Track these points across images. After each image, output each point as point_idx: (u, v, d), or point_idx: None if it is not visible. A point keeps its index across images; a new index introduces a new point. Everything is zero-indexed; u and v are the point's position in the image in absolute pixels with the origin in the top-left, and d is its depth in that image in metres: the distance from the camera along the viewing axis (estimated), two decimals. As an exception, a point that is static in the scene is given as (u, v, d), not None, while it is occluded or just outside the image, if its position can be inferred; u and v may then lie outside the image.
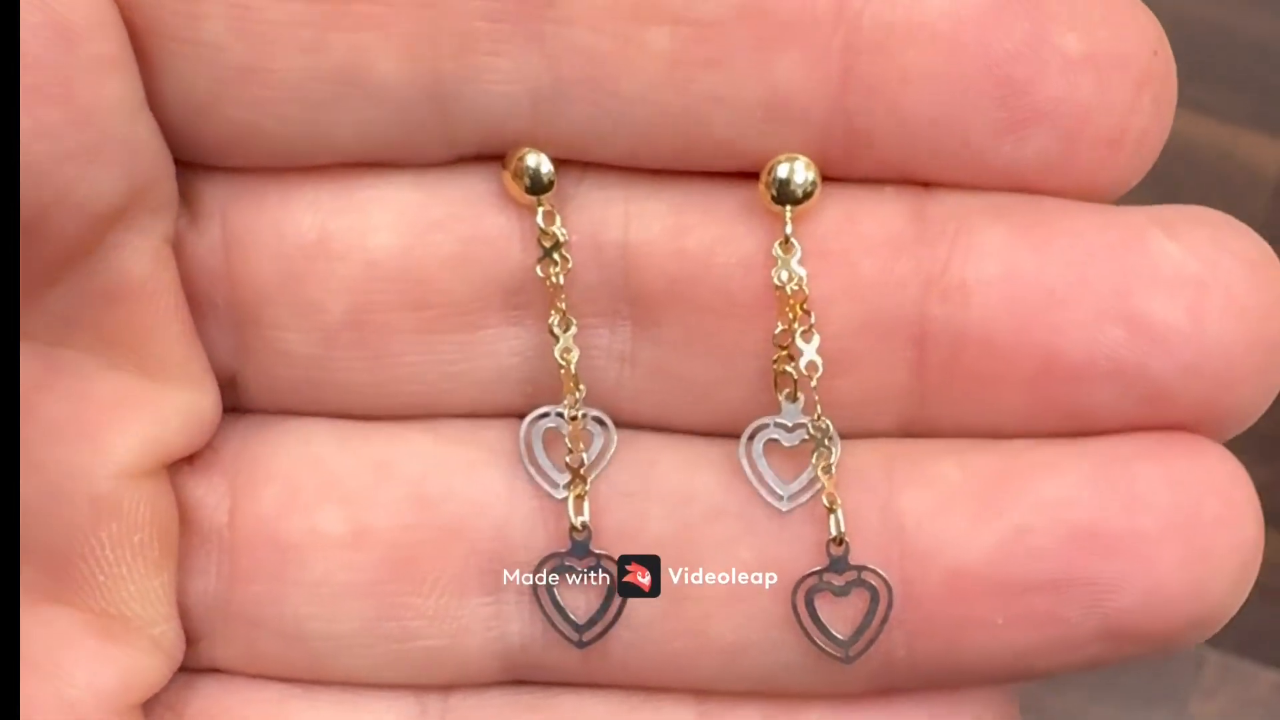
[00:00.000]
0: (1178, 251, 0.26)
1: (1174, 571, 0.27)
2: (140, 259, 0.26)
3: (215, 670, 0.30)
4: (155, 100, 0.26)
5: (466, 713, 0.30)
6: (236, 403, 0.29)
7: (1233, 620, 0.27)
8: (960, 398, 0.27)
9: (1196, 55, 1.13)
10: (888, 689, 0.30)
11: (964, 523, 0.27)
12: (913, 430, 0.28)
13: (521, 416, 0.29)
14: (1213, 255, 0.26)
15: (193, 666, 0.29)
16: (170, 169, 0.27)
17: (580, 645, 0.28)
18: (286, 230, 0.27)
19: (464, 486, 0.29)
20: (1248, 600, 0.27)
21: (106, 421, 0.27)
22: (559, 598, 0.28)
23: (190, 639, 0.29)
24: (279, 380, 0.29)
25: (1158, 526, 0.27)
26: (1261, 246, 0.26)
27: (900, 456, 0.28)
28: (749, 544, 0.29)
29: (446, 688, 0.30)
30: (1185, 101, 1.04)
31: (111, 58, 0.24)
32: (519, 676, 0.30)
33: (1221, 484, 0.27)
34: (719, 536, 0.28)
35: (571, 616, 0.28)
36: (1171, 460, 0.26)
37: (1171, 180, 1.05)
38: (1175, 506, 0.27)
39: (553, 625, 0.29)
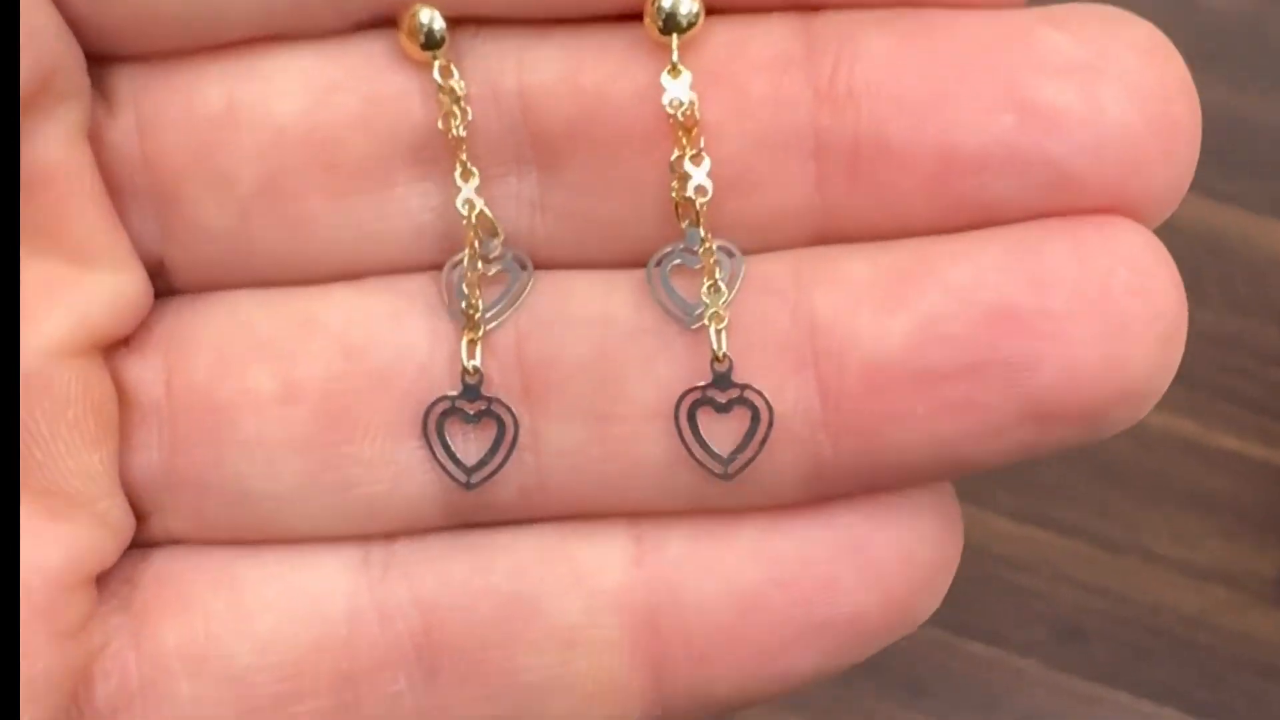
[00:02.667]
0: (1066, 41, 0.26)
1: (1090, 345, 0.27)
2: (54, 146, 0.27)
3: (168, 541, 0.31)
4: None
5: (408, 556, 0.31)
6: (167, 287, 0.30)
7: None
8: (864, 204, 0.27)
9: (1219, 144, 1.14)
10: (821, 496, 0.30)
11: (875, 316, 0.27)
12: (821, 240, 0.29)
13: (442, 267, 0.30)
14: (1103, 43, 0.26)
15: (146, 541, 0.31)
16: (78, 58, 0.28)
17: (468, 487, 0.29)
18: (195, 105, 0.29)
19: (388, 334, 0.30)
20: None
21: (32, 306, 0.27)
22: (448, 440, 0.29)
23: (141, 515, 0.30)
24: (202, 257, 0.30)
25: (1069, 302, 0.27)
26: (1155, 35, 0.27)
27: (809, 261, 0.28)
28: (667, 359, 0.29)
29: (390, 536, 0.31)
30: (1207, 190, 1.05)
31: None
32: (461, 520, 0.30)
33: (1134, 254, 0.27)
34: (637, 355, 0.29)
35: (459, 458, 0.29)
36: (1080, 237, 0.27)
37: (1195, 266, 1.06)
38: (1085, 280, 0.27)
39: (441, 468, 0.30)
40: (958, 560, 0.30)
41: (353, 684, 0.31)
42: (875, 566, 0.30)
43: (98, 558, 0.29)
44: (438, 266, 0.30)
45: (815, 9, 0.27)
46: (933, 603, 0.31)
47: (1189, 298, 1.08)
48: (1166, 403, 1.08)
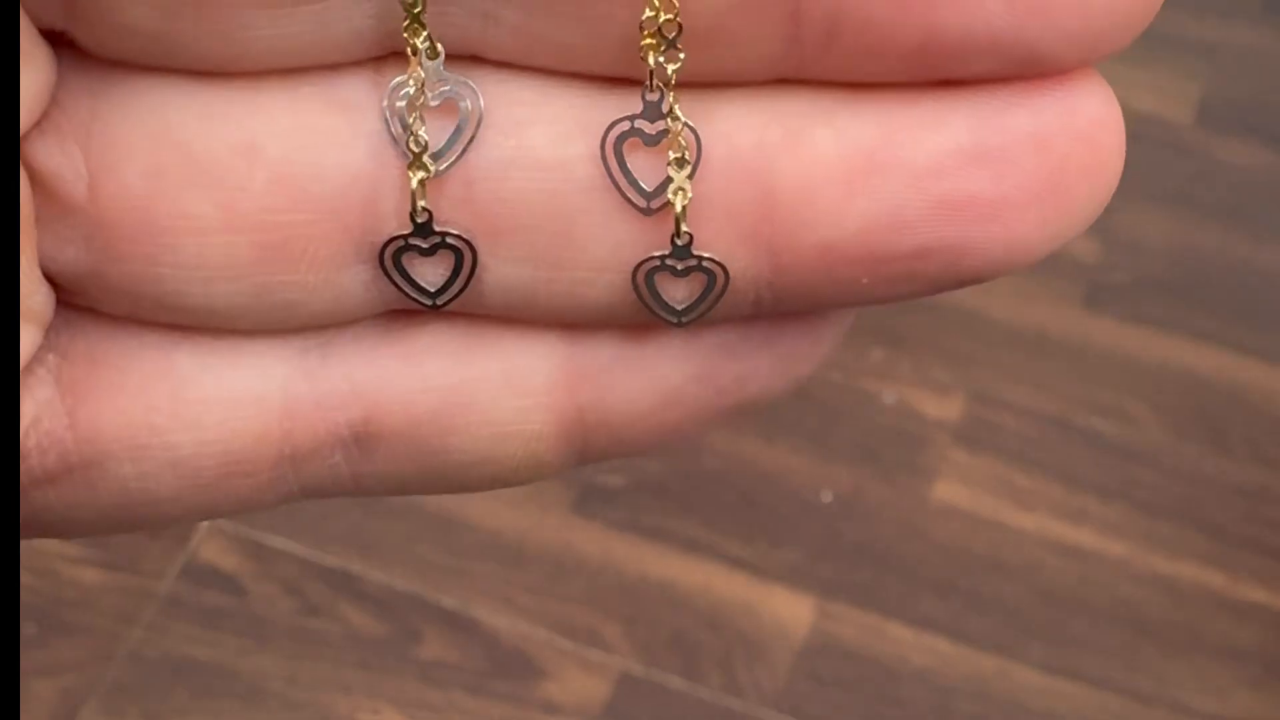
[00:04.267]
0: None
1: (1034, 229, 0.27)
2: None
3: (97, 313, 0.30)
4: None
5: (344, 349, 0.30)
6: (71, 50, 0.28)
7: None
8: (836, 68, 0.27)
9: (1243, 298, 1.15)
10: (748, 318, 0.30)
11: (835, 200, 0.27)
12: (788, 83, 0.28)
13: (384, 60, 0.29)
14: None
15: (72, 305, 0.30)
16: None
17: (435, 308, 0.29)
18: None
19: (331, 162, 0.28)
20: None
21: None
22: (409, 270, 0.29)
23: (66, 292, 0.29)
24: (118, 46, 0.28)
25: (1023, 191, 0.27)
26: None
27: (774, 124, 0.28)
28: (624, 222, 0.29)
29: (326, 327, 0.31)
30: (1232, 344, 1.05)
31: None
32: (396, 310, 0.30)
33: (1092, 131, 0.27)
34: (593, 212, 0.28)
35: (423, 284, 0.29)
36: (1043, 116, 0.27)
37: (1221, 419, 1.06)
38: (1042, 168, 0.27)
39: (405, 294, 0.29)
40: (849, 321, 0.32)
41: (293, 462, 0.31)
42: (786, 355, 0.31)
43: (25, 350, 0.29)
44: (376, 60, 0.29)
45: None
46: (819, 363, 0.32)
47: (1215, 450, 1.08)
48: (1194, 554, 1.08)
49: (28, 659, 1.01)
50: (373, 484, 0.31)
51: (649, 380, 0.31)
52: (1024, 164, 0.27)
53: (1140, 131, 1.21)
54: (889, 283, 0.28)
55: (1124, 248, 1.14)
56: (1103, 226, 1.14)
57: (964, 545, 1.00)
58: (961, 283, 0.28)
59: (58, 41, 0.28)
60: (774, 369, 0.31)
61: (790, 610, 0.98)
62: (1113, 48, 0.27)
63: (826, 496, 1.02)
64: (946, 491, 1.02)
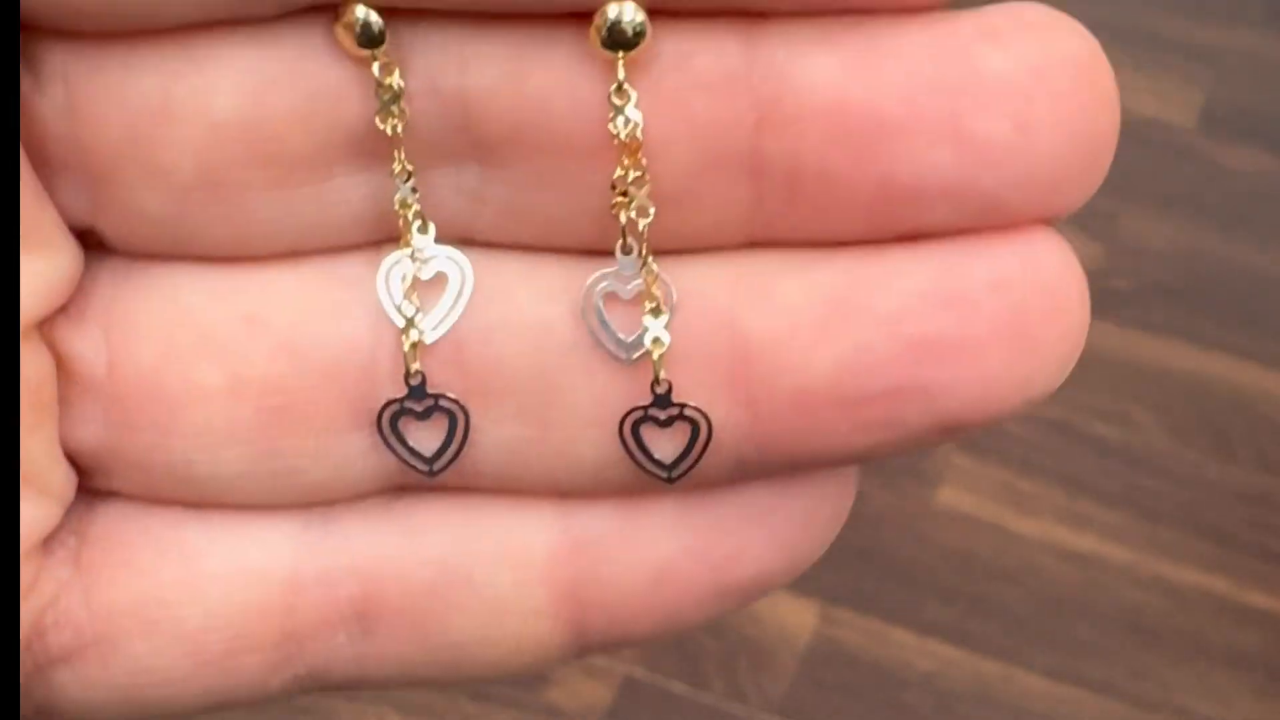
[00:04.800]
0: (1003, 63, 0.26)
1: (1003, 370, 0.28)
2: None
3: (114, 494, 0.31)
4: None
5: (345, 525, 0.31)
6: (99, 246, 0.30)
7: None
8: (799, 222, 0.28)
9: (1245, 304, 1.15)
10: (738, 481, 0.30)
11: (806, 345, 0.28)
12: (755, 243, 0.29)
13: (381, 244, 0.30)
14: (1039, 62, 0.27)
15: (91, 489, 0.31)
16: None
17: (432, 474, 0.30)
18: (130, 95, 0.28)
19: (331, 331, 0.30)
20: None
21: None
22: (404, 435, 0.30)
23: (85, 472, 0.31)
24: (138, 234, 0.30)
25: (988, 331, 0.27)
26: (1089, 43, 0.27)
27: (743, 278, 0.29)
28: (606, 375, 0.29)
29: (330, 503, 0.31)
30: (1234, 349, 1.05)
31: None
32: (399, 487, 0.31)
33: (1049, 279, 0.28)
34: (576, 368, 0.29)
35: (419, 450, 0.30)
36: (1002, 262, 0.28)
37: (1223, 424, 1.06)
38: (1005, 310, 0.27)
39: (403, 461, 0.30)
40: (849, 509, 0.32)
41: (296, 639, 0.31)
42: (780, 531, 0.32)
43: (43, 528, 0.30)
44: (375, 244, 0.30)
45: (760, 16, 0.28)
46: (821, 549, 0.32)
47: (1218, 455, 1.08)
48: (1198, 559, 1.08)
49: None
50: (377, 669, 0.32)
51: (642, 553, 0.31)
52: (986, 306, 0.27)
53: (1143, 136, 1.21)
54: (866, 430, 0.28)
55: (1127, 253, 1.15)
56: (1106, 231, 1.15)
57: (967, 550, 1.00)
58: (942, 429, 0.28)
59: (84, 239, 0.29)
60: (769, 546, 0.31)
61: (793, 615, 0.98)
62: (1066, 201, 0.28)
63: (830, 502, 1.02)
64: (950, 497, 1.02)
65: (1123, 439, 1.05)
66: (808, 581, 1.01)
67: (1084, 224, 1.13)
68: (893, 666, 0.97)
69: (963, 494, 1.02)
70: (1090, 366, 1.12)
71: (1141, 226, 1.16)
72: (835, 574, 0.99)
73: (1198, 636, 0.98)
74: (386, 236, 0.30)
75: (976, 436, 1.06)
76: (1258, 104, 1.26)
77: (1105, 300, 1.12)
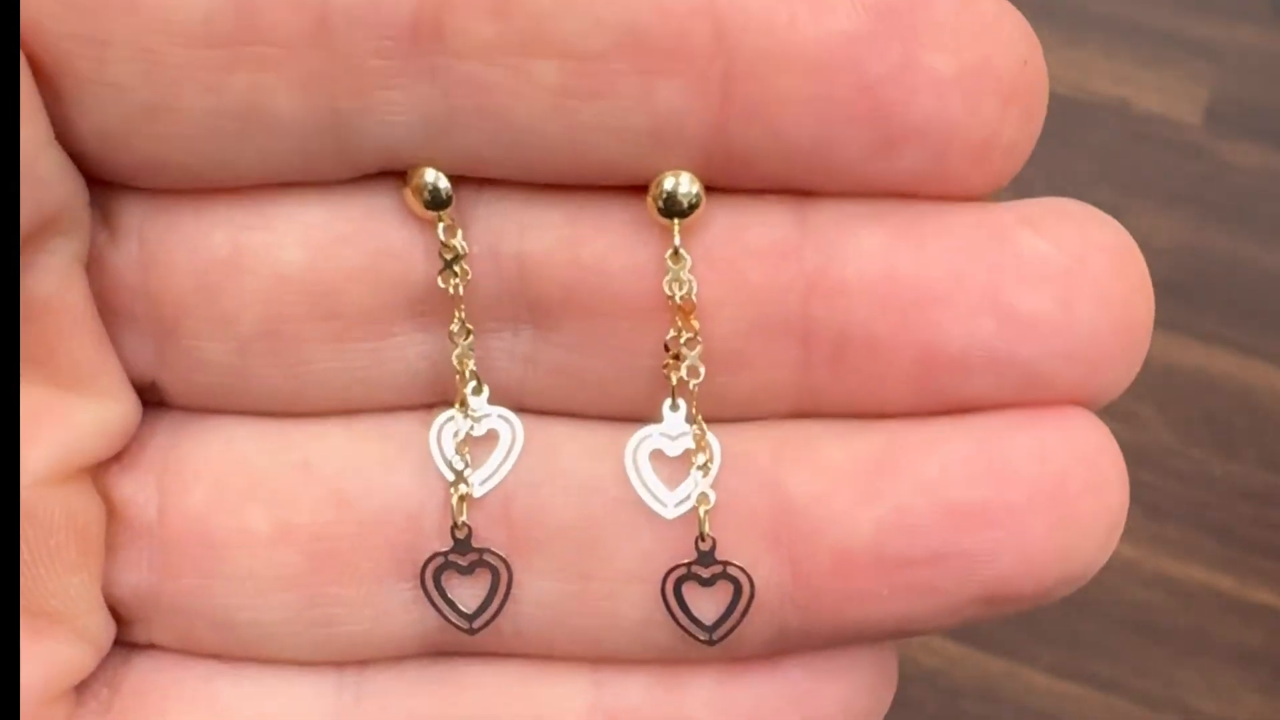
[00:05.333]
0: (1045, 246, 0.27)
1: (1044, 539, 0.29)
2: (48, 278, 0.27)
3: (151, 646, 0.31)
4: (66, 133, 0.27)
5: (382, 685, 0.31)
6: (158, 401, 0.31)
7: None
8: (845, 389, 0.29)
9: (1249, 300, 1.14)
10: (778, 653, 0.30)
11: (848, 505, 0.28)
12: (801, 415, 0.29)
13: (434, 406, 0.30)
14: (1078, 247, 0.28)
15: (128, 642, 0.31)
16: (81, 195, 0.28)
17: (471, 632, 0.30)
18: (200, 247, 0.29)
19: (379, 482, 0.30)
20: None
21: (21, 433, 0.28)
22: (446, 591, 0.30)
23: (125, 622, 0.31)
24: (198, 385, 0.30)
25: (1028, 498, 0.28)
26: (1122, 235, 0.28)
27: (787, 442, 0.29)
28: (649, 528, 0.29)
29: (365, 663, 0.31)
30: (1239, 346, 1.05)
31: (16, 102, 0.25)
32: (437, 650, 0.31)
33: (1089, 453, 0.28)
34: (621, 522, 0.30)
35: (460, 607, 0.30)
36: (1042, 434, 0.28)
37: (1228, 421, 1.06)
38: (1044, 478, 0.28)
39: (443, 616, 0.30)
40: (889, 703, 0.32)
41: None
42: (818, 715, 0.32)
43: (77, 671, 0.30)
44: (429, 405, 0.31)
45: (810, 195, 0.28)
46: None
47: (1223, 452, 1.08)
48: (1203, 557, 1.08)
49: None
50: None
51: None
52: (1025, 476, 0.28)
53: (1147, 133, 1.21)
54: (908, 595, 0.29)
55: (1132, 249, 1.14)
56: (1110, 228, 1.14)
57: (971, 548, 1.00)
58: (984, 598, 0.28)
59: (146, 396, 0.30)
60: None
61: (797, 613, 0.98)
62: (1107, 383, 0.28)
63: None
64: (954, 494, 1.02)
65: (1127, 435, 1.04)
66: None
67: (1088, 220, 1.13)
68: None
69: (967, 491, 1.02)
70: (1095, 363, 1.12)
71: (1146, 223, 1.16)
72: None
73: (1203, 634, 0.98)
74: (440, 399, 0.30)
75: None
76: (1263, 101, 1.26)
77: (1110, 297, 1.12)
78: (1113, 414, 1.10)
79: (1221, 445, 1.05)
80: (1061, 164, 1.16)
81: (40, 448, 0.28)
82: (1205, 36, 1.30)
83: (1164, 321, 1.18)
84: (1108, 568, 1.06)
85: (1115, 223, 0.29)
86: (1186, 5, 1.35)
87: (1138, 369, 0.29)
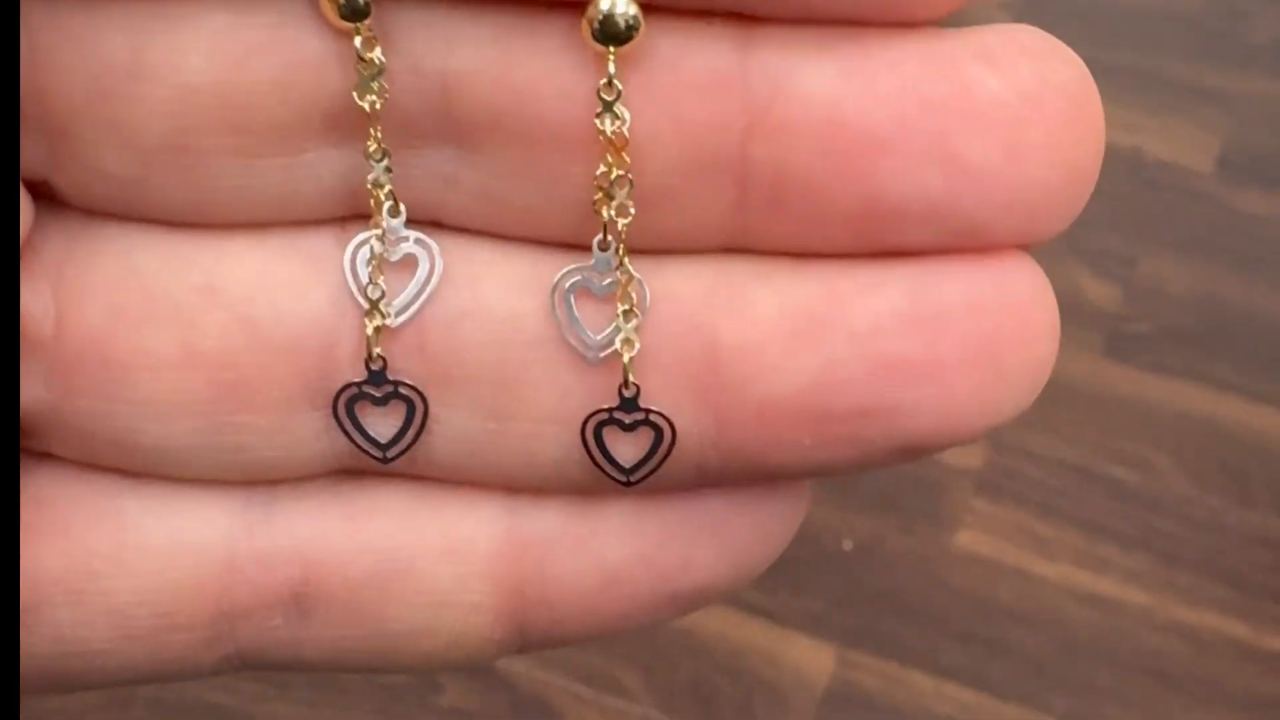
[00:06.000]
0: (998, 86, 0.26)
1: (969, 394, 0.28)
2: None
3: (50, 457, 0.30)
4: None
5: (290, 505, 0.31)
6: (51, 198, 0.29)
7: None
8: (780, 230, 0.28)
9: (1262, 348, 1.15)
10: (695, 488, 0.30)
11: (777, 357, 0.28)
12: (734, 249, 0.29)
13: (346, 220, 0.29)
14: (1034, 89, 0.26)
15: (26, 449, 0.30)
16: None
17: (385, 461, 0.29)
18: (97, 50, 0.27)
19: (290, 307, 0.29)
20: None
21: None
22: (360, 421, 0.29)
23: (23, 434, 0.30)
24: (95, 193, 0.29)
25: (958, 354, 0.27)
26: (1081, 71, 0.27)
27: (719, 286, 0.28)
28: (571, 373, 0.29)
29: (274, 482, 0.30)
30: (1253, 394, 1.04)
31: None
32: (348, 470, 0.30)
33: (1022, 304, 0.28)
34: (541, 364, 0.29)
35: (374, 436, 0.29)
36: (976, 285, 0.27)
37: (1242, 468, 1.06)
38: (975, 333, 0.27)
39: (356, 445, 0.29)
40: (799, 522, 0.32)
41: (230, 619, 0.31)
42: (731, 544, 0.31)
43: None
44: (342, 219, 0.29)
45: (756, 20, 0.27)
46: (768, 563, 0.32)
47: (1236, 499, 1.08)
48: (1217, 604, 1.08)
49: (46, 704, 1.02)
50: (312, 653, 0.31)
51: (591, 556, 0.31)
52: (957, 330, 0.27)
53: (1161, 181, 1.21)
54: (830, 445, 0.28)
55: (1145, 296, 1.15)
56: (1124, 275, 1.15)
57: (986, 594, 1.00)
58: (904, 450, 0.28)
59: (38, 191, 0.28)
60: (720, 557, 0.31)
61: (811, 658, 0.98)
62: (1046, 228, 0.27)
63: (848, 545, 1.02)
64: (968, 540, 1.02)
65: (1141, 482, 1.05)
66: (825, 624, 1.01)
67: (1102, 268, 1.14)
68: (911, 711, 0.96)
69: (981, 537, 1.02)
70: (1109, 410, 1.12)
71: (1159, 270, 1.16)
72: (853, 617, 0.99)
73: (1216, 681, 0.98)
74: (355, 214, 0.29)
75: (996, 479, 1.06)
76: (1274, 149, 1.26)
77: (1124, 343, 1.12)
78: (1128, 461, 1.10)
79: (1236, 492, 1.05)
80: (1074, 211, 1.16)
81: None
82: (1217, 86, 1.31)
83: (1178, 369, 1.18)
84: (1124, 614, 1.06)
85: (1074, 56, 0.27)
86: (1198, 55, 1.36)
87: (1078, 210, 0.28)
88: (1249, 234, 1.20)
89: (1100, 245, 1.14)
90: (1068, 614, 0.99)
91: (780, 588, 1.02)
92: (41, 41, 0.27)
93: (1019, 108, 0.26)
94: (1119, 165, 1.18)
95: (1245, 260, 1.19)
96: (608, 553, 0.31)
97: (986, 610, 0.99)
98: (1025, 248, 0.28)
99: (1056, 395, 1.10)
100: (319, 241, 0.29)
